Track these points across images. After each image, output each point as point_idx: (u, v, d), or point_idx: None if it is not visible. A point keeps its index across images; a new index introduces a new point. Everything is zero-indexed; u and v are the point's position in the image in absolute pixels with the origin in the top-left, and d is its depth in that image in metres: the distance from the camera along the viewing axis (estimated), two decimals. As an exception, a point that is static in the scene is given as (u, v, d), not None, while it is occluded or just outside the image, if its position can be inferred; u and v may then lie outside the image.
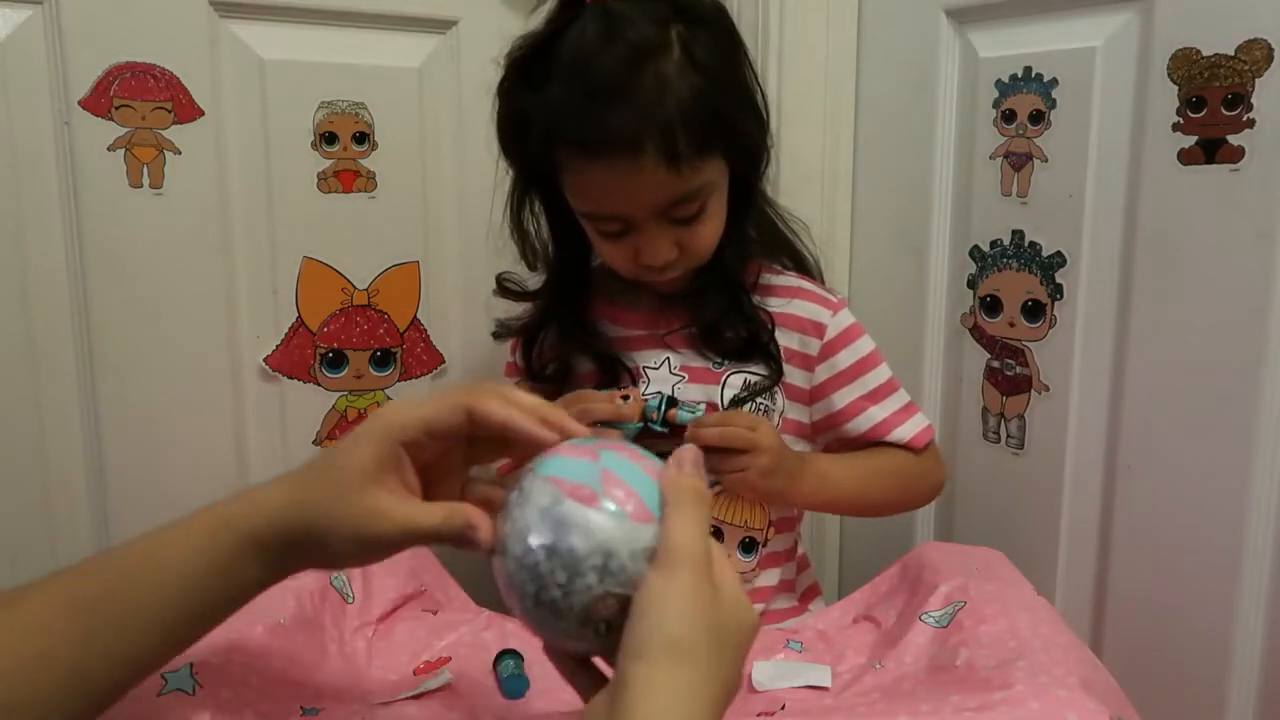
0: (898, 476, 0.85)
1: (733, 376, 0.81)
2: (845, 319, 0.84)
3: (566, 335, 0.84)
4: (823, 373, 0.84)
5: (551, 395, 0.87)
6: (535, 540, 0.46)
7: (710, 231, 0.77)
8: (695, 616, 0.44)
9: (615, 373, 0.82)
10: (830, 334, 0.83)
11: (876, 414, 0.84)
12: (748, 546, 0.81)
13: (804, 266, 0.88)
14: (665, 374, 0.82)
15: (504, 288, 0.87)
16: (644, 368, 0.82)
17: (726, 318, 0.81)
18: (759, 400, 0.81)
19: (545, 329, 0.85)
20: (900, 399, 0.85)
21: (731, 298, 0.82)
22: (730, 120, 0.75)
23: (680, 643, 0.43)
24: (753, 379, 0.81)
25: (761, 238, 0.85)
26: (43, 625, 0.49)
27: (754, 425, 0.76)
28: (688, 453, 0.50)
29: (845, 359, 0.83)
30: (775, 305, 0.83)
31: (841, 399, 0.84)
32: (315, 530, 0.50)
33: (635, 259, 0.77)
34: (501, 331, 0.89)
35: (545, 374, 0.85)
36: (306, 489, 0.51)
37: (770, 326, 0.82)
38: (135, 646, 0.51)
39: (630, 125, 0.69)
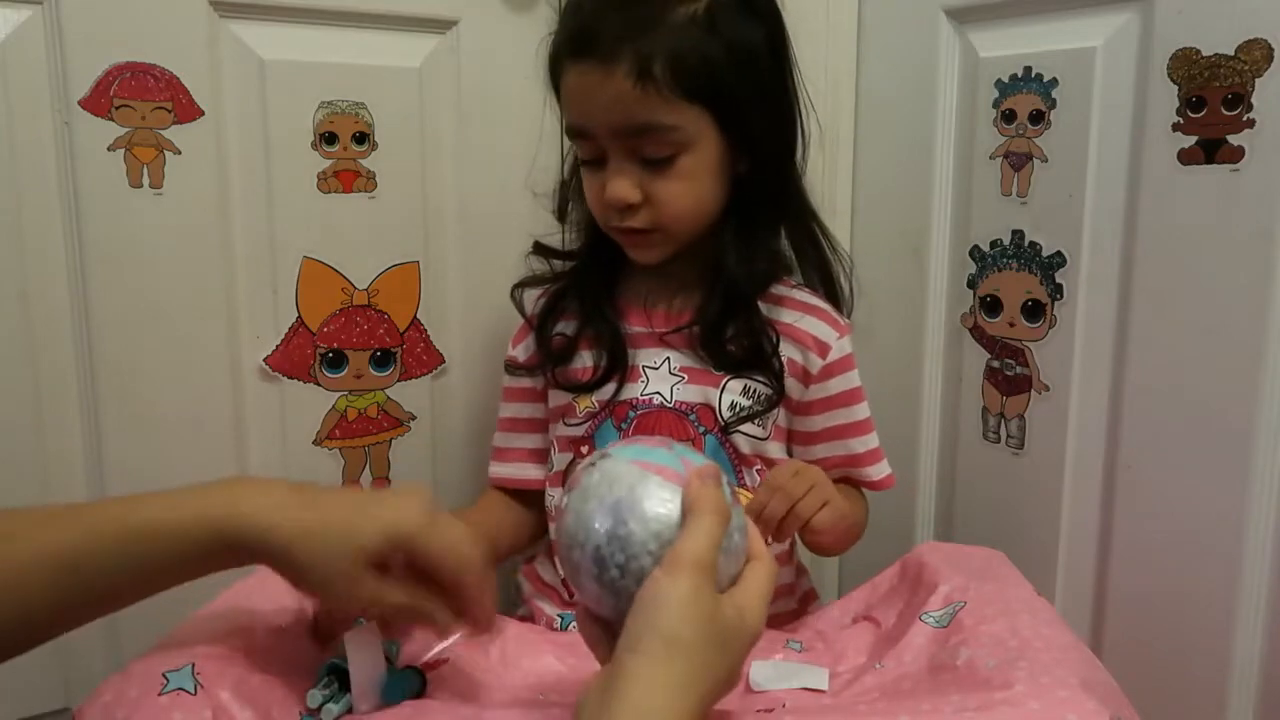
0: (856, 520, 0.84)
1: (732, 381, 0.81)
2: (847, 346, 0.85)
3: (587, 302, 0.84)
4: (815, 392, 0.83)
5: (542, 391, 0.88)
6: (603, 522, 0.51)
7: (681, 191, 0.76)
8: (692, 618, 0.48)
9: (613, 370, 0.82)
10: (832, 356, 0.83)
11: (855, 446, 0.84)
12: None
13: (833, 296, 0.87)
14: (665, 374, 0.82)
15: (539, 246, 0.89)
16: (644, 367, 0.82)
17: (730, 327, 0.81)
18: (755, 407, 0.81)
19: (567, 297, 0.86)
20: (875, 439, 0.86)
21: (739, 308, 0.81)
22: (726, 86, 0.75)
23: (676, 640, 0.47)
24: (753, 385, 0.81)
25: (805, 253, 0.85)
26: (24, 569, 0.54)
27: (779, 484, 0.73)
28: (711, 468, 0.53)
29: (838, 385, 0.84)
30: (786, 318, 0.83)
31: (822, 422, 0.84)
32: (295, 565, 0.57)
33: (603, 195, 0.77)
34: (526, 282, 0.89)
35: (551, 351, 0.85)
36: (308, 540, 0.57)
37: (775, 340, 0.81)
38: (95, 607, 0.57)
39: (613, 32, 0.72)
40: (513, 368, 0.90)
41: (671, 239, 0.79)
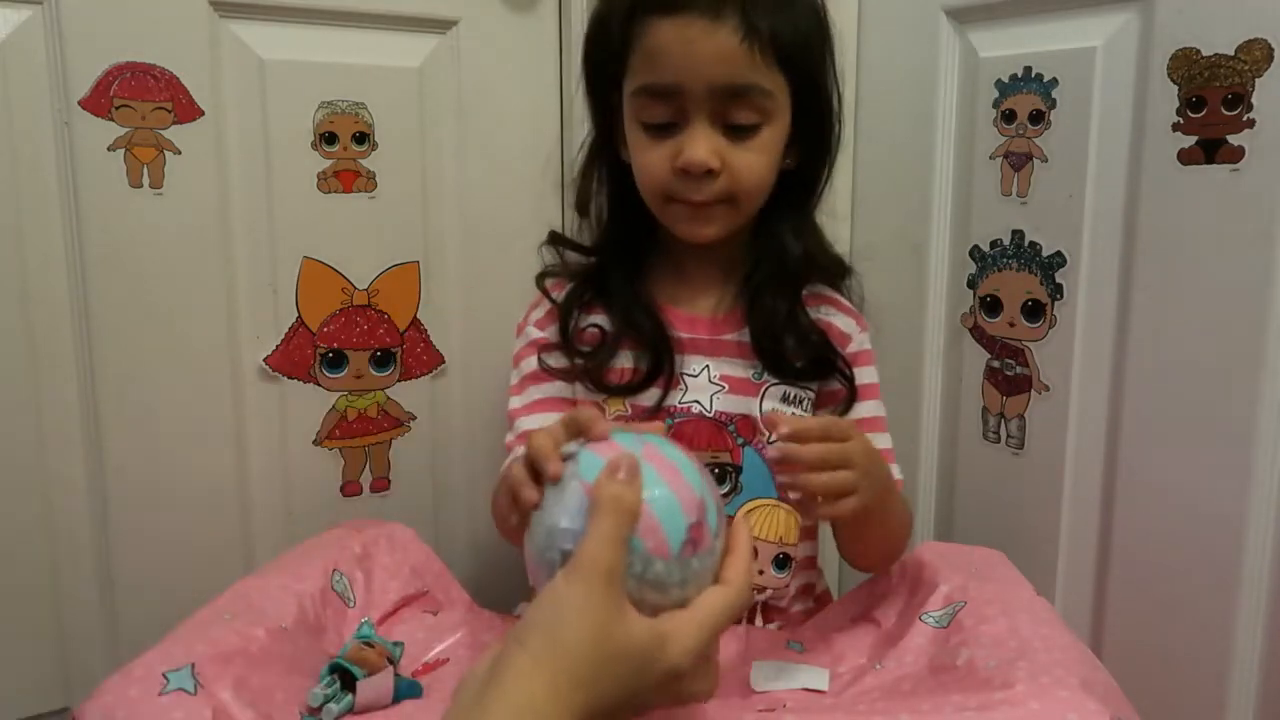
0: (906, 514, 0.79)
1: (772, 388, 0.79)
2: (867, 341, 0.83)
3: (624, 298, 0.79)
4: (834, 383, 0.81)
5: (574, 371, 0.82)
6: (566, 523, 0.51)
7: (757, 164, 0.74)
8: (582, 626, 0.47)
9: (657, 375, 0.78)
10: (853, 348, 0.81)
11: (877, 442, 0.78)
12: (781, 563, 0.78)
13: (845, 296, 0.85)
14: (704, 382, 0.79)
15: (556, 236, 0.85)
16: (683, 374, 0.79)
17: (788, 336, 0.78)
18: (798, 413, 0.78)
19: (597, 290, 0.81)
20: (888, 439, 0.82)
21: (787, 307, 0.78)
22: (808, 62, 0.75)
23: (559, 644, 0.46)
24: (793, 391, 0.79)
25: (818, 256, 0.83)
26: None
27: (846, 435, 0.66)
28: (626, 461, 0.51)
29: (857, 378, 0.81)
30: (809, 311, 0.80)
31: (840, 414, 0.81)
32: None
33: (673, 163, 0.73)
34: (549, 272, 0.85)
35: (580, 349, 0.80)
36: None
37: (827, 341, 0.79)
38: None
39: None
40: (549, 348, 0.82)
41: (736, 215, 0.76)
